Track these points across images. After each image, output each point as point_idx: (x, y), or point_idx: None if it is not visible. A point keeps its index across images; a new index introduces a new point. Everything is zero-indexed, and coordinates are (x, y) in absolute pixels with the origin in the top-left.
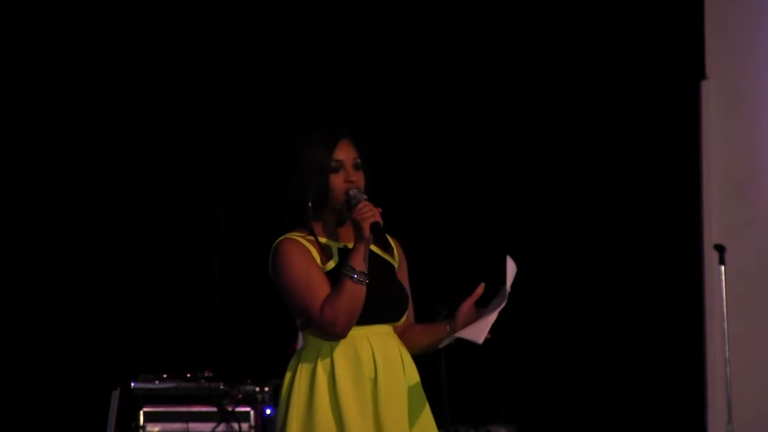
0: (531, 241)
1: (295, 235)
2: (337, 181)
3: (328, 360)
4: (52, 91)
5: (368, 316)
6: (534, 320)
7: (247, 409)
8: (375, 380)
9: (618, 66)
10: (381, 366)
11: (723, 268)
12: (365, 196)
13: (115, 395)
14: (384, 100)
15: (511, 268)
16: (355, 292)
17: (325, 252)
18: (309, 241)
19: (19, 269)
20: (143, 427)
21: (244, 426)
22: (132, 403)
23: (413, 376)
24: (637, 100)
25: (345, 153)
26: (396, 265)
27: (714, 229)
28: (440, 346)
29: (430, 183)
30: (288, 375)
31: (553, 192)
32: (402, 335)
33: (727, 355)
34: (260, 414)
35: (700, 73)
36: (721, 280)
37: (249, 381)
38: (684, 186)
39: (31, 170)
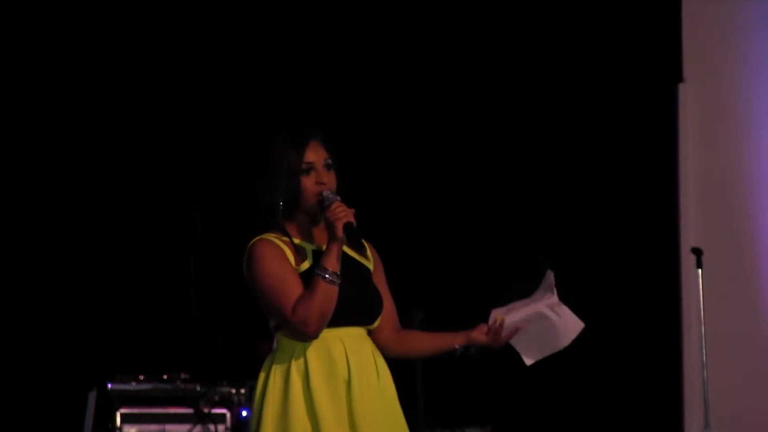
0: (506, 244)
1: (270, 236)
2: (308, 182)
3: (301, 361)
4: (28, 93)
5: (341, 318)
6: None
7: (224, 410)
8: (348, 381)
9: (595, 68)
10: (354, 367)
11: (700, 271)
12: (338, 197)
13: (92, 396)
14: (359, 99)
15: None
16: (327, 292)
17: (299, 253)
18: (284, 242)
19: None
20: (120, 429)
21: (221, 428)
22: (108, 404)
23: (387, 380)
24: (614, 103)
25: (315, 154)
26: (371, 268)
27: (691, 232)
28: (457, 354)
29: (404, 183)
30: (262, 376)
31: (529, 195)
32: (398, 340)
33: (704, 358)
34: (236, 416)
35: (677, 76)
36: (698, 284)
37: (225, 382)
38: (661, 189)
39: (5, 172)
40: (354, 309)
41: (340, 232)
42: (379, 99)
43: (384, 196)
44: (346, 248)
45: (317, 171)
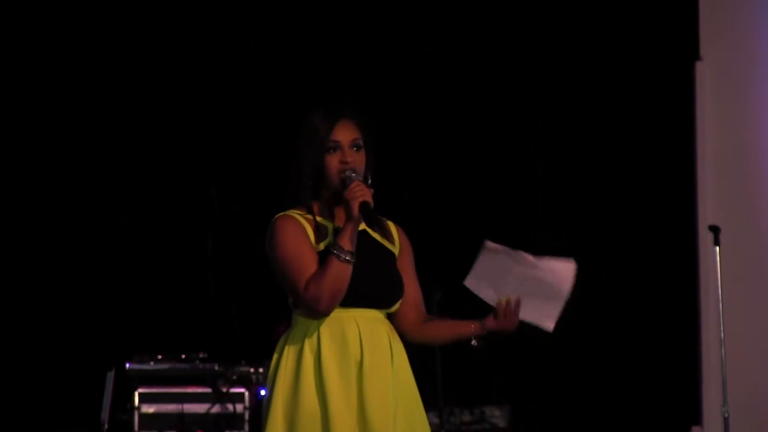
0: (524, 222)
1: (294, 212)
2: (332, 161)
3: (315, 340)
4: (43, 80)
5: (357, 299)
6: None
7: (242, 390)
8: (360, 363)
9: (612, 48)
10: (367, 349)
11: (717, 249)
12: (360, 177)
13: (110, 376)
14: (376, 87)
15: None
16: (340, 271)
17: (321, 231)
18: (307, 219)
19: (13, 253)
20: (138, 408)
21: (239, 407)
22: (127, 384)
23: (402, 364)
24: (631, 82)
25: (343, 133)
26: (396, 252)
27: (708, 210)
28: (472, 343)
29: (422, 169)
30: (275, 355)
31: (546, 174)
32: (420, 327)
33: (722, 335)
34: (255, 395)
35: (694, 54)
36: (715, 261)
37: (243, 362)
38: (678, 167)
39: (23, 156)
40: (371, 291)
41: (355, 211)
42: (401, 90)
43: (404, 178)
44: (371, 231)
45: (343, 150)
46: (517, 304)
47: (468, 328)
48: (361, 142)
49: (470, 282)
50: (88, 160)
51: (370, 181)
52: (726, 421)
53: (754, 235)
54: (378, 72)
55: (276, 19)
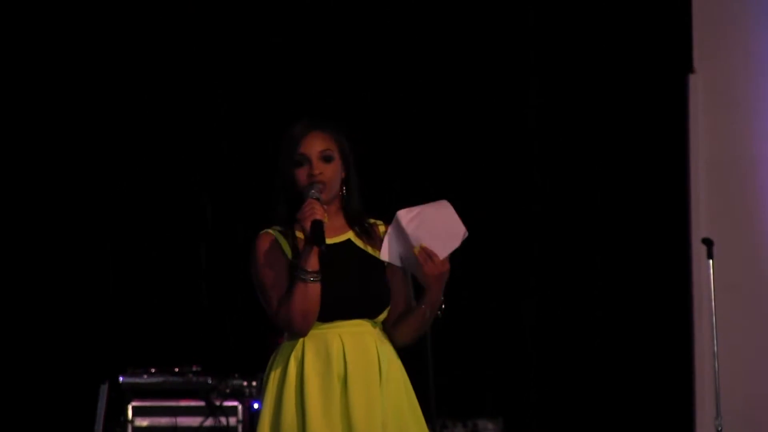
0: (517, 235)
1: (274, 229)
2: (300, 175)
3: (299, 356)
4: (39, 86)
5: (338, 312)
6: (521, 314)
7: (235, 403)
8: (345, 378)
9: (605, 59)
10: (352, 364)
11: (711, 262)
12: (317, 195)
13: (104, 389)
14: (369, 82)
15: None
16: (306, 292)
17: (301, 244)
18: (286, 235)
19: (6, 264)
20: (131, 422)
21: (232, 420)
22: (120, 397)
23: (395, 376)
24: (624, 94)
25: (311, 146)
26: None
27: (702, 223)
28: (438, 315)
29: (417, 172)
30: (268, 369)
31: (538, 186)
32: (393, 326)
33: (715, 348)
34: (248, 408)
35: (687, 66)
36: (709, 274)
37: (236, 375)
38: (671, 180)
39: (15, 166)
40: (352, 303)
41: (307, 230)
42: (394, 87)
43: (392, 182)
44: (357, 240)
45: (311, 163)
46: (423, 251)
47: (420, 307)
48: (332, 153)
49: (385, 256)
50: (80, 170)
51: (344, 190)
52: None
53: (748, 248)
54: (377, 74)
55: (269, 25)
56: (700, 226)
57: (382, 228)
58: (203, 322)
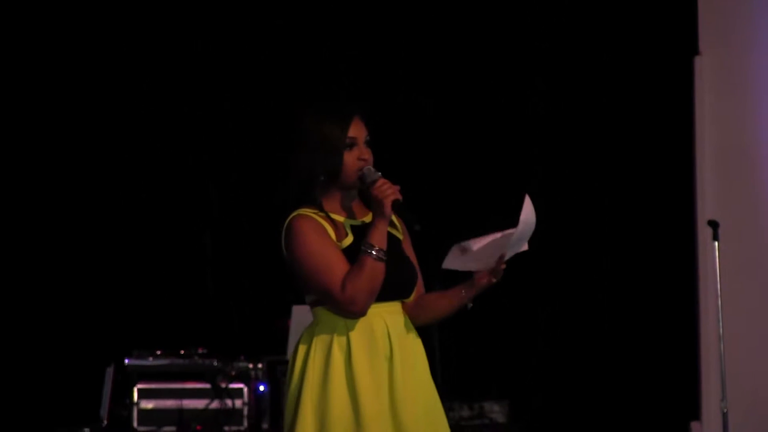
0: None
1: (308, 211)
2: (350, 158)
3: (344, 338)
4: (40, 77)
5: (382, 294)
6: (527, 297)
7: (241, 385)
8: (391, 358)
9: (611, 43)
10: (396, 343)
11: (717, 244)
12: (380, 174)
13: (109, 372)
14: (371, 86)
15: (526, 208)
16: (375, 269)
17: (339, 228)
18: (321, 217)
19: (12, 250)
20: (137, 404)
21: (238, 402)
22: (126, 379)
23: (421, 354)
24: (630, 77)
25: (358, 130)
26: (401, 238)
27: (708, 205)
28: (468, 307)
29: (420, 171)
30: (302, 349)
31: (545, 170)
32: (415, 306)
33: (720, 331)
34: (253, 391)
35: (693, 49)
36: (714, 257)
37: (242, 358)
38: (678, 162)
39: (22, 152)
40: (393, 284)
41: (388, 209)
42: (398, 84)
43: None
44: None
45: (359, 147)
46: (501, 258)
47: (459, 294)
48: (369, 139)
49: (449, 264)
50: (87, 157)
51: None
52: (725, 416)
53: (753, 230)
54: (373, 72)
55: (271, 16)
56: (706, 209)
57: None
58: (209, 306)
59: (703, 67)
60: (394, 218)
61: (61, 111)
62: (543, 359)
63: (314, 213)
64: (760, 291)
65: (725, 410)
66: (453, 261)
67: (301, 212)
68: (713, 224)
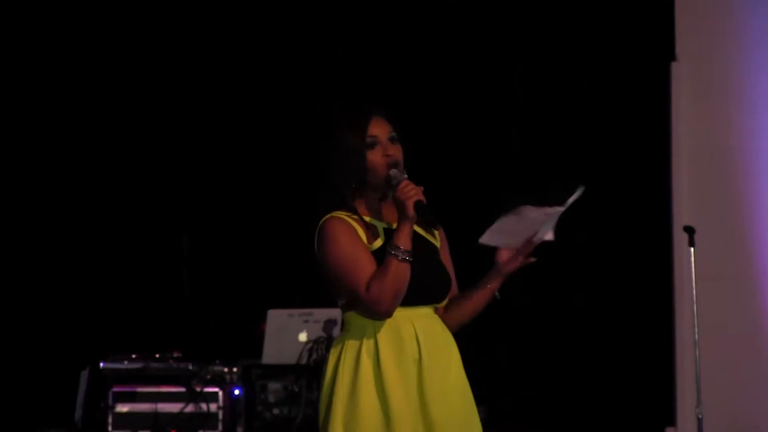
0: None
1: (341, 214)
2: (375, 157)
3: (372, 341)
4: (15, 79)
5: (411, 298)
6: (501, 301)
7: (216, 389)
8: (419, 361)
9: (588, 47)
10: (425, 347)
11: (692, 249)
12: (405, 175)
13: (85, 375)
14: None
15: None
16: (400, 270)
17: (371, 231)
18: (354, 220)
19: None
20: (112, 407)
21: (213, 406)
22: (101, 383)
23: (456, 359)
24: (607, 82)
25: (379, 128)
26: (438, 245)
27: (684, 210)
28: (496, 297)
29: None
30: (333, 355)
31: (521, 173)
32: (444, 312)
33: (696, 337)
34: (228, 394)
35: (670, 55)
36: (690, 262)
37: (218, 361)
38: (654, 168)
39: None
40: (424, 288)
41: (411, 211)
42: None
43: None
44: (416, 227)
45: (382, 144)
46: (530, 240)
47: (484, 289)
48: (395, 135)
49: (486, 239)
50: (62, 160)
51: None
52: (700, 422)
53: (729, 235)
54: (351, 69)
55: (243, 18)
56: (682, 214)
57: None
58: (185, 309)
59: (680, 73)
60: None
61: (33, 113)
62: (518, 364)
63: (347, 216)
64: (736, 297)
65: (700, 416)
66: (492, 236)
67: (333, 215)
68: (689, 230)
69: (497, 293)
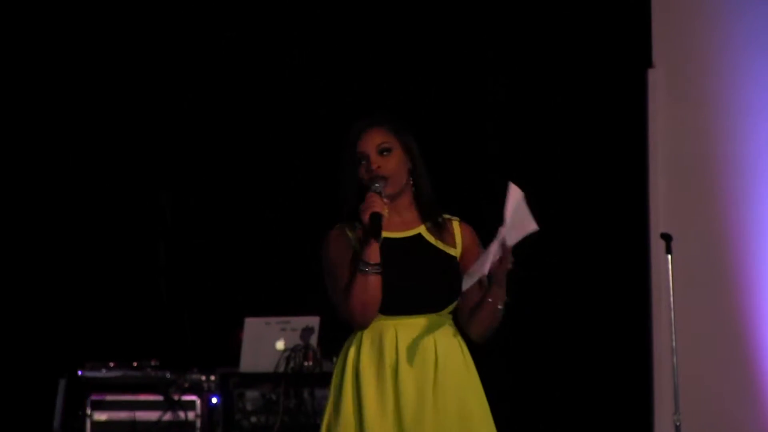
0: (476, 227)
1: (344, 226)
2: (363, 173)
3: (356, 348)
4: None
5: (400, 306)
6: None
7: (194, 397)
8: (396, 368)
9: (564, 53)
10: (403, 354)
11: (670, 257)
12: (379, 189)
13: (62, 384)
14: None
15: (513, 195)
16: (365, 283)
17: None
18: (353, 231)
19: None
20: (90, 416)
21: (190, 415)
22: (79, 391)
23: (454, 370)
24: (583, 89)
25: (369, 142)
26: (456, 253)
27: (661, 218)
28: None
29: None
30: (336, 361)
31: (496, 181)
32: (469, 322)
33: (673, 344)
34: (206, 403)
35: (646, 61)
36: (667, 269)
37: (195, 370)
38: (630, 175)
39: None
40: (415, 298)
41: (365, 221)
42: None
43: None
44: (428, 235)
45: (369, 158)
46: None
47: (487, 303)
48: (389, 146)
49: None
50: (37, 165)
51: (411, 182)
52: (678, 429)
53: (706, 243)
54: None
55: (225, 22)
56: (659, 221)
57: (456, 224)
58: (162, 318)
59: (657, 79)
60: (456, 233)
61: (15, 114)
62: (493, 372)
63: (349, 227)
64: (713, 304)
65: (678, 423)
66: (468, 283)
67: (337, 227)
68: (666, 237)
69: (501, 306)
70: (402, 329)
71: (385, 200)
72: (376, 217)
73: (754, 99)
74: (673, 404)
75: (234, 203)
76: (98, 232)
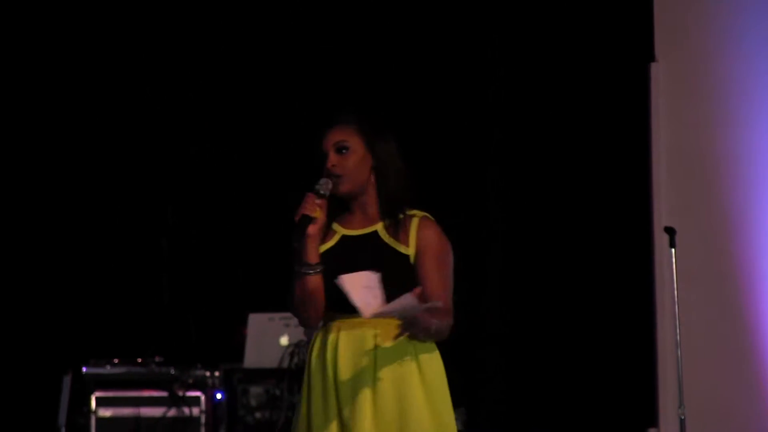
0: (479, 225)
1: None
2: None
3: (311, 348)
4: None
5: (341, 305)
6: (479, 304)
7: (198, 393)
8: (335, 364)
9: (567, 48)
10: (343, 352)
11: (673, 250)
12: (321, 190)
13: (67, 380)
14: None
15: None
16: (302, 283)
17: (329, 236)
18: (322, 226)
19: None
20: (95, 412)
21: (195, 410)
22: (83, 388)
23: (389, 372)
24: (586, 83)
25: (329, 140)
26: (409, 252)
27: (664, 211)
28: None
29: None
30: None
31: (500, 176)
32: None
33: (677, 337)
34: (210, 398)
35: (649, 56)
36: (671, 263)
37: (199, 366)
38: (633, 169)
39: None
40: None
41: (296, 220)
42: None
43: None
44: (383, 233)
45: (329, 157)
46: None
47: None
48: (346, 144)
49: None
50: (41, 164)
51: (373, 180)
52: (682, 422)
53: (710, 236)
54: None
55: (225, 22)
56: (662, 215)
57: (415, 221)
58: (165, 314)
59: (659, 73)
60: (412, 232)
61: (21, 118)
62: (498, 366)
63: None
64: (717, 297)
65: (683, 417)
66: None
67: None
68: (670, 231)
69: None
70: (345, 328)
71: (318, 201)
72: (304, 219)
73: (757, 93)
74: (677, 398)
75: (237, 198)
76: (102, 229)
